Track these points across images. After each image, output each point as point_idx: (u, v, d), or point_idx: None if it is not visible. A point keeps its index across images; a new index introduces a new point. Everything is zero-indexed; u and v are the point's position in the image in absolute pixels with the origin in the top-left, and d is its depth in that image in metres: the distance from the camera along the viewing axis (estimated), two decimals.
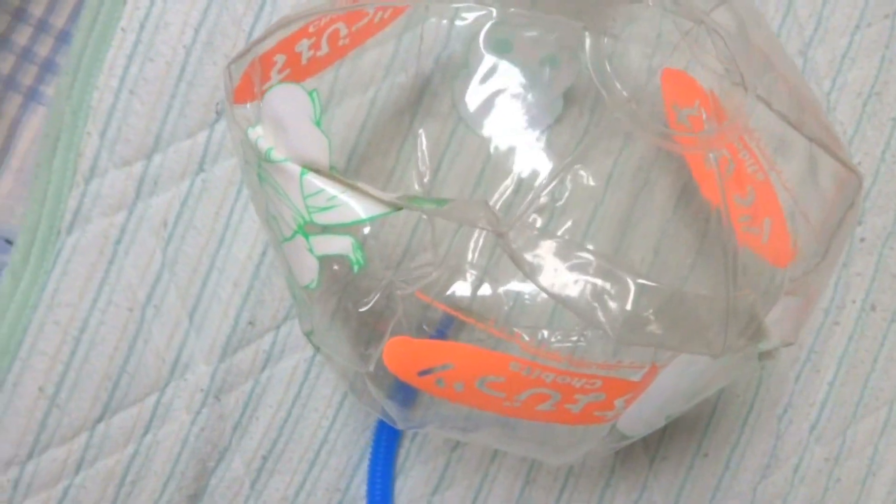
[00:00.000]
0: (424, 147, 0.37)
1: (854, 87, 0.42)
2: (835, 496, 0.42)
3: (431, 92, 0.38)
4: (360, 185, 0.26)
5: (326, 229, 0.27)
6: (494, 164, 0.38)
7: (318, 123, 0.26)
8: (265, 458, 0.37)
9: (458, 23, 0.34)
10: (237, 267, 0.36)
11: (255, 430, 0.37)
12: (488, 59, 0.36)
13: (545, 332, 0.35)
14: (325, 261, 0.28)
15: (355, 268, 0.28)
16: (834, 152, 0.28)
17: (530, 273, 0.27)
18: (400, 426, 0.32)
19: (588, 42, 0.26)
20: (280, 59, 0.28)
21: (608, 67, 0.26)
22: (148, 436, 0.36)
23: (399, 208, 0.26)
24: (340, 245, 0.28)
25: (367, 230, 0.28)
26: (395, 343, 0.27)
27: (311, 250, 0.28)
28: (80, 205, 0.35)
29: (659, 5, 0.29)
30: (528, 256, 0.29)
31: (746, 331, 0.28)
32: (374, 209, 0.26)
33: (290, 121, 0.26)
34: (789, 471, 0.41)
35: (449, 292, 0.36)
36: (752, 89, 0.26)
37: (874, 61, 0.42)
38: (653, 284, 0.26)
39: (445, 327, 0.37)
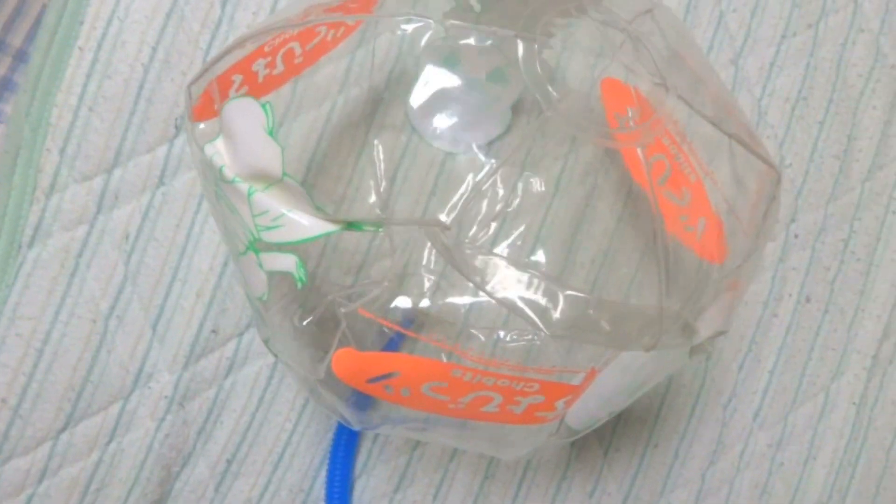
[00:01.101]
0: (381, 157, 0.39)
1: (783, 92, 0.44)
2: (778, 479, 0.44)
3: (385, 104, 0.39)
4: (297, 210, 0.27)
5: (273, 247, 0.28)
6: (448, 174, 0.40)
7: (270, 133, 0.27)
8: (229, 462, 0.38)
9: (399, 33, 0.36)
10: (199, 277, 0.37)
11: (220, 434, 0.37)
12: (437, 73, 0.38)
13: (501, 333, 0.37)
14: (272, 275, 0.29)
15: (298, 284, 0.29)
16: (753, 149, 0.30)
17: (479, 284, 0.29)
18: (356, 427, 0.33)
19: (521, 48, 0.28)
20: (237, 78, 0.30)
21: (539, 70, 0.28)
22: (112, 444, 0.37)
23: (342, 228, 0.27)
24: (285, 262, 0.29)
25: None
26: (342, 354, 0.28)
27: (260, 265, 0.29)
28: (40, 220, 0.36)
29: (587, 17, 0.31)
30: (477, 263, 0.31)
31: (677, 331, 0.30)
32: (316, 229, 0.27)
33: (242, 132, 0.27)
34: (735, 457, 0.43)
35: (400, 303, 0.37)
36: (673, 88, 0.28)
37: (800, 68, 0.45)
38: (580, 295, 0.28)
39: (406, 326, 0.38)
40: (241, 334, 0.38)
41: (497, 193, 0.40)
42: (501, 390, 0.29)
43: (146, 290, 0.37)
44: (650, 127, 0.29)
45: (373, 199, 0.38)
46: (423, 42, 0.35)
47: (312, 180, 0.38)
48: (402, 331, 0.34)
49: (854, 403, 0.45)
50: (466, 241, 0.39)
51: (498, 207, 0.40)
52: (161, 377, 0.37)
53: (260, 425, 0.38)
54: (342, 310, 0.29)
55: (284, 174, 0.27)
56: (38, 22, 0.36)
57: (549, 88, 0.28)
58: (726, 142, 0.31)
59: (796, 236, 0.44)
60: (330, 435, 0.38)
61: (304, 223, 0.27)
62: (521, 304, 0.27)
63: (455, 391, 0.29)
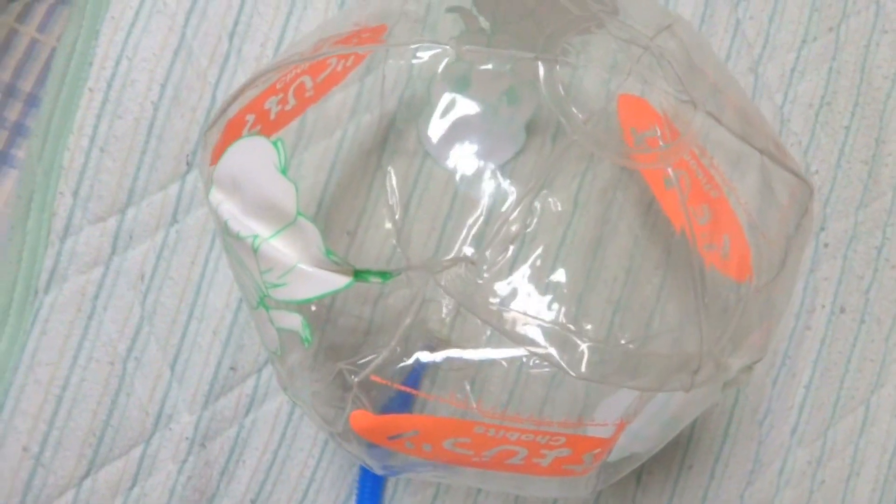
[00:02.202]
0: (394, 183, 0.38)
1: (805, 98, 0.43)
2: (820, 498, 0.42)
3: (397, 130, 0.39)
4: (304, 263, 0.26)
5: (281, 304, 0.27)
6: (463, 197, 0.39)
7: (283, 171, 0.26)
8: (253, 502, 0.37)
9: (415, 61, 0.35)
10: (215, 315, 0.37)
11: (242, 474, 0.37)
12: (449, 96, 0.38)
13: (524, 358, 0.36)
14: (282, 332, 0.29)
15: (305, 345, 0.28)
16: (784, 163, 0.29)
17: (498, 327, 0.28)
18: (380, 473, 0.32)
19: (542, 71, 0.27)
20: (250, 117, 0.29)
21: (562, 92, 0.27)
22: (135, 488, 0.36)
23: (348, 285, 0.26)
24: (292, 321, 0.28)
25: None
26: (358, 415, 0.28)
27: (271, 322, 0.28)
28: (55, 264, 0.36)
29: (607, 33, 0.30)
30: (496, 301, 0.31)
31: (712, 366, 0.28)
32: (322, 287, 0.26)
33: (252, 172, 0.26)
34: (774, 475, 0.42)
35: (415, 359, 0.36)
36: (702, 105, 0.27)
37: (822, 73, 0.43)
38: (601, 346, 0.27)
39: (418, 374, 0.38)
40: (259, 371, 0.37)
41: (514, 215, 0.40)
42: (525, 444, 0.28)
43: (163, 330, 0.36)
44: (678, 147, 0.28)
45: (388, 226, 0.37)
46: (440, 69, 0.34)
47: (326, 211, 0.38)
48: (414, 392, 0.33)
49: None
50: (484, 270, 0.38)
51: (514, 228, 0.39)
52: (181, 418, 0.36)
53: (283, 463, 0.37)
54: (354, 378, 0.28)
55: (299, 213, 0.26)
56: (47, 65, 0.36)
57: (574, 110, 0.27)
58: (748, 153, 0.30)
59: (826, 245, 0.43)
60: (354, 469, 0.38)
61: (310, 281, 0.26)
62: (545, 348, 0.26)
63: (478, 446, 0.28)
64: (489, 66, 0.36)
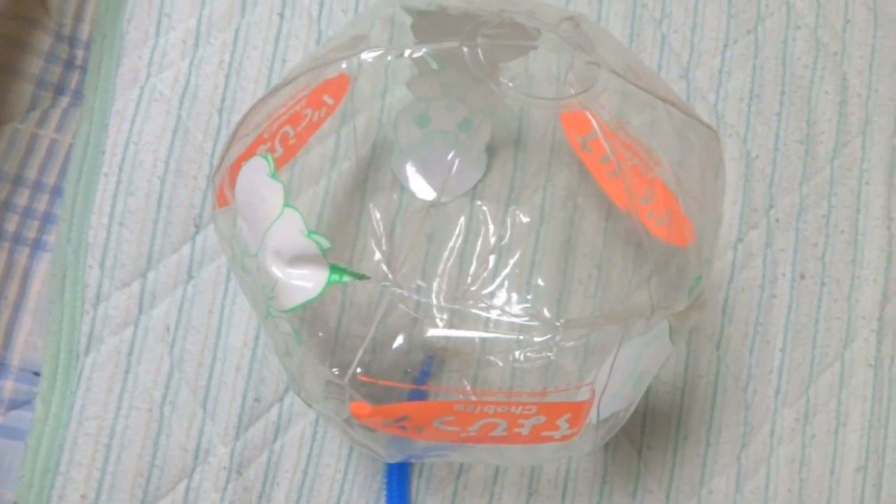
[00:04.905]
0: (378, 217, 0.43)
1: (736, 94, 0.48)
2: (813, 451, 0.45)
3: (374, 170, 0.44)
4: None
5: (279, 313, 0.32)
6: (443, 222, 0.44)
7: (273, 176, 0.31)
8: None
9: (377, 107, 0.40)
10: (236, 354, 0.41)
11: (278, 494, 0.41)
12: (414, 134, 0.43)
13: (517, 353, 0.40)
14: (286, 336, 0.33)
15: (301, 345, 0.33)
16: (689, 112, 0.34)
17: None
18: (388, 460, 0.36)
19: (465, 51, 0.32)
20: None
21: (482, 59, 0.32)
22: None
23: (321, 293, 0.31)
24: (286, 327, 0.33)
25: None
26: (357, 407, 0.31)
27: (277, 328, 0.33)
28: (91, 329, 0.41)
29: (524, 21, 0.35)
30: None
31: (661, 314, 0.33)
32: (301, 297, 0.31)
33: (250, 180, 0.31)
34: (765, 436, 0.45)
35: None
36: (605, 64, 0.32)
37: (747, 70, 0.48)
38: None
39: (428, 367, 0.42)
40: (281, 399, 0.41)
41: (489, 230, 0.44)
42: (503, 416, 0.31)
43: (191, 374, 0.41)
44: (593, 91, 0.33)
45: (377, 256, 0.42)
46: (400, 114, 0.39)
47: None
48: (408, 386, 0.38)
49: (871, 365, 0.47)
50: (469, 280, 0.43)
51: (492, 241, 0.44)
52: (217, 451, 0.41)
53: (313, 480, 0.41)
54: (344, 378, 0.32)
55: (286, 205, 0.31)
56: (67, 159, 0.42)
57: (498, 76, 0.32)
58: (664, 117, 0.35)
59: (777, 220, 0.47)
60: (380, 477, 0.41)
61: (290, 291, 0.30)
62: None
63: (463, 422, 0.31)
64: (441, 102, 0.41)
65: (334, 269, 0.30)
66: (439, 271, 0.43)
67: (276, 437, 0.41)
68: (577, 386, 0.33)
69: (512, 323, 0.41)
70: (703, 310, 0.34)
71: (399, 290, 0.36)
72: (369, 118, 0.44)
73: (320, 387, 0.32)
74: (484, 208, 0.44)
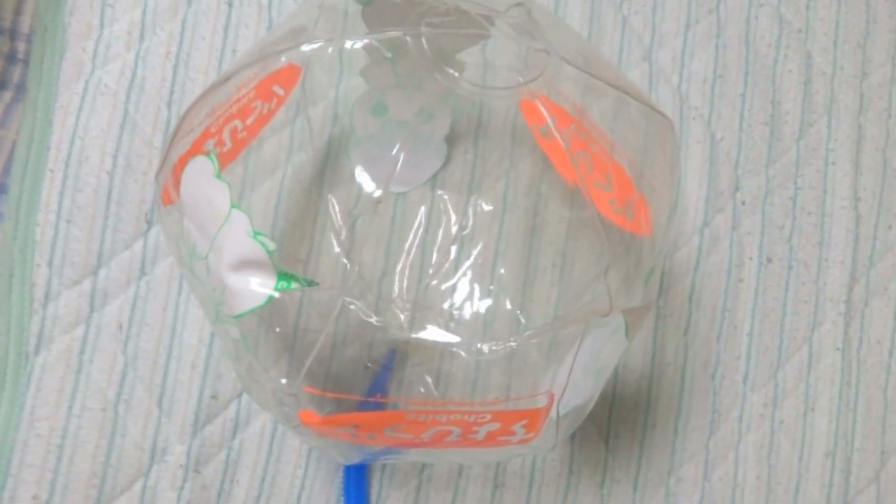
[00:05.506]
0: (336, 210, 0.42)
1: (699, 76, 0.48)
2: (782, 436, 0.45)
3: (333, 161, 0.43)
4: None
5: (228, 319, 0.31)
6: (402, 213, 0.43)
7: (218, 176, 0.30)
8: None
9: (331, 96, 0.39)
10: (191, 351, 0.40)
11: (238, 492, 0.40)
12: (371, 123, 0.42)
13: (480, 345, 0.39)
14: (235, 341, 0.32)
15: (248, 350, 0.32)
16: (643, 100, 0.33)
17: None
18: (344, 462, 0.36)
19: (409, 40, 0.31)
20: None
21: (427, 48, 0.31)
22: None
23: (269, 300, 0.30)
24: (234, 332, 0.32)
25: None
26: (305, 415, 0.31)
27: (227, 332, 0.32)
28: (41, 328, 0.39)
29: (454, 4, 0.34)
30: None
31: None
32: (248, 304, 0.30)
33: (195, 181, 0.30)
34: (734, 422, 0.45)
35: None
36: (554, 51, 0.31)
37: (710, 51, 0.48)
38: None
39: (390, 361, 0.41)
40: (239, 396, 0.40)
41: (451, 220, 0.44)
42: (457, 424, 0.31)
43: (146, 372, 0.40)
44: (544, 78, 0.32)
45: (336, 248, 0.41)
46: (356, 101, 0.37)
47: (277, 244, 0.41)
48: (357, 398, 0.38)
49: (838, 349, 0.46)
50: (430, 272, 0.42)
51: (454, 231, 0.43)
52: (174, 449, 0.40)
53: (273, 477, 0.40)
54: (291, 393, 0.32)
55: (233, 206, 0.30)
56: (11, 156, 0.41)
57: (441, 65, 0.31)
58: (619, 105, 0.34)
59: (743, 203, 0.47)
60: (340, 473, 0.41)
61: (239, 297, 0.30)
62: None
63: (415, 430, 0.31)
64: (397, 91, 0.40)
65: (282, 275, 0.29)
66: (400, 264, 0.42)
67: (234, 435, 0.40)
68: (533, 395, 0.32)
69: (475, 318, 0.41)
70: (650, 309, 0.34)
71: (351, 302, 0.35)
72: (325, 108, 0.43)
73: (270, 393, 0.31)
74: (445, 197, 0.43)
